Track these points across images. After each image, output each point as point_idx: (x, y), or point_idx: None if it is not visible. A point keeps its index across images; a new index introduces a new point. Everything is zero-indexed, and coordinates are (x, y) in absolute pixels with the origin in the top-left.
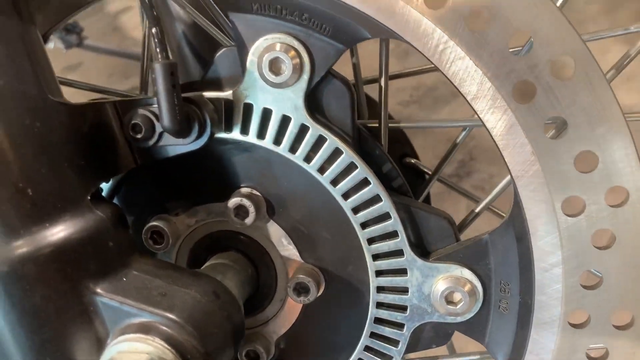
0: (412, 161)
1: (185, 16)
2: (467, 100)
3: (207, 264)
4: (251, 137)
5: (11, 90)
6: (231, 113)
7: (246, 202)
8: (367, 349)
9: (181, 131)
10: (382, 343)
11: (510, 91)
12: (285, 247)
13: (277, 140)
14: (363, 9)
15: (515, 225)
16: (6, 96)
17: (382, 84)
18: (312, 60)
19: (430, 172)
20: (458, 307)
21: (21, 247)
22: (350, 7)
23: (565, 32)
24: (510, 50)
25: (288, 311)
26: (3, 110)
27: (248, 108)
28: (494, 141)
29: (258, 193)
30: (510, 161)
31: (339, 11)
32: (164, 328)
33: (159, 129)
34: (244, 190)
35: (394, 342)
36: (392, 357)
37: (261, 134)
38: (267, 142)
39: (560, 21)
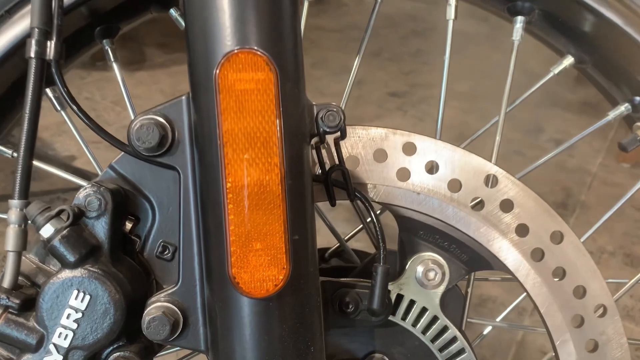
0: None
1: None
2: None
3: None
4: (397, 318)
5: None
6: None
7: None
8: None
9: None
10: None
11: None
12: None
13: (414, 324)
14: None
15: None
16: None
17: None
18: (450, 275)
19: None
20: None
21: None
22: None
23: None
24: None
25: None
26: None
27: (400, 297)
28: None
29: (386, 359)
30: None
31: (479, 250)
32: None
33: (362, 307)
34: (378, 355)
35: None
36: None
37: (404, 317)
38: (407, 324)
39: None
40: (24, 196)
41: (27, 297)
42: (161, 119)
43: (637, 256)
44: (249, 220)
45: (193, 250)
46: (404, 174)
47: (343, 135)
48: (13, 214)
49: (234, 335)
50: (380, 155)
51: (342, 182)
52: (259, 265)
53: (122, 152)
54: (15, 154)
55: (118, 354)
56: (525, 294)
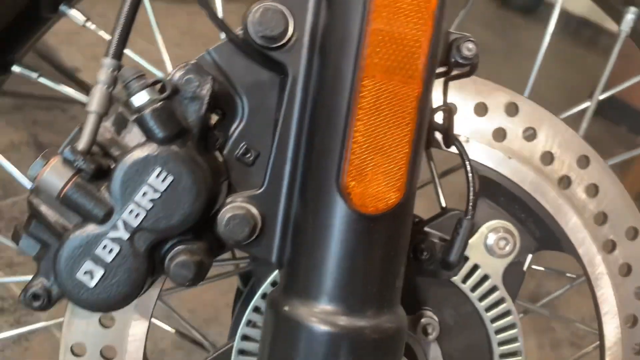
0: None
1: None
2: None
3: None
4: (457, 279)
5: None
6: None
7: (433, 322)
8: None
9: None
10: None
11: None
12: None
13: (473, 289)
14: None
15: None
16: None
17: None
18: (519, 248)
19: None
20: None
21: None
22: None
23: None
24: None
25: None
26: None
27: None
28: None
29: (436, 318)
30: None
31: (554, 229)
32: None
33: (436, 256)
34: (429, 313)
35: None
36: None
37: (464, 280)
38: (466, 288)
39: None
40: (118, 57)
41: (101, 166)
42: (284, 9)
43: None
44: (377, 132)
45: (286, 157)
46: (499, 134)
47: (472, 71)
48: (103, 74)
49: (323, 249)
50: (481, 110)
51: (439, 125)
52: (376, 181)
53: (225, 40)
54: (40, 77)
55: (183, 247)
56: (574, 282)
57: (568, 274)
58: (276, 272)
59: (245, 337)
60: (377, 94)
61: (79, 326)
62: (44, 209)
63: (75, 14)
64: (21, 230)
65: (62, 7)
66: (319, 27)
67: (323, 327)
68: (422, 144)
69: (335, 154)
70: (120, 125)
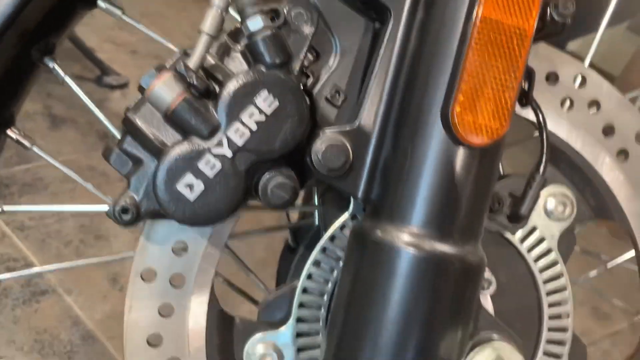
0: None
1: None
2: None
3: None
4: (516, 239)
5: None
6: None
7: (490, 277)
8: None
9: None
10: None
11: None
12: None
13: (530, 249)
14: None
15: None
16: None
17: None
18: (576, 215)
19: None
20: None
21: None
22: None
23: None
24: None
25: None
26: None
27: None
28: None
29: (492, 275)
30: None
31: (609, 200)
32: None
33: (506, 209)
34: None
35: None
36: None
37: (522, 241)
38: (524, 248)
39: None
40: None
41: (209, 85)
42: None
43: None
44: (490, 64)
45: (381, 98)
46: (566, 103)
47: (563, 31)
48: None
49: (421, 178)
50: (552, 78)
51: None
52: (485, 112)
53: None
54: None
55: (278, 171)
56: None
57: (603, 256)
58: (345, 215)
59: (309, 277)
60: (493, 27)
61: (152, 252)
62: (141, 125)
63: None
64: (114, 146)
65: None
66: None
67: (416, 250)
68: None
69: (442, 85)
70: (224, 54)
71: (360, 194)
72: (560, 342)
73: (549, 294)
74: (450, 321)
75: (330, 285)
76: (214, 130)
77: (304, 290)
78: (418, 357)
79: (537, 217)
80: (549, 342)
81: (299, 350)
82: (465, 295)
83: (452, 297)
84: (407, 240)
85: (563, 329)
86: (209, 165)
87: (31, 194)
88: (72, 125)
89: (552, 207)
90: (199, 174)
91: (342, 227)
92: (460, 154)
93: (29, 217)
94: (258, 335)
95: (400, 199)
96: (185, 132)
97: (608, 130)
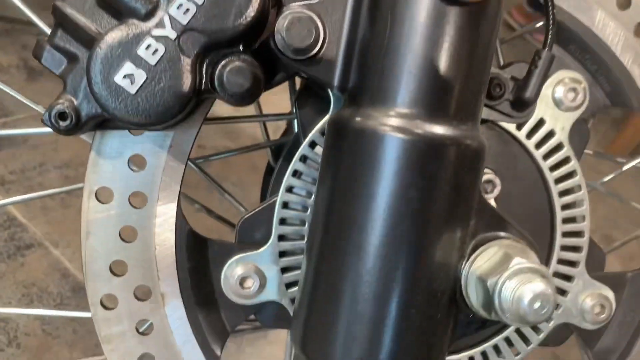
0: None
1: None
2: None
3: None
4: (521, 134)
5: None
6: None
7: (493, 179)
8: None
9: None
10: None
11: None
12: None
13: (537, 145)
14: None
15: None
16: None
17: None
18: (588, 102)
19: None
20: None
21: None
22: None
23: None
24: None
25: None
26: None
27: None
28: None
29: (496, 177)
30: None
31: (626, 85)
32: None
33: (508, 95)
34: (487, 170)
35: None
36: None
37: (529, 136)
38: (531, 144)
39: None
40: None
41: None
42: None
43: None
44: None
45: None
46: None
47: None
48: None
49: (405, 50)
50: None
51: None
52: None
53: None
54: None
55: (237, 56)
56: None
57: (619, 159)
58: (325, 118)
59: (290, 190)
60: None
61: (105, 168)
62: (72, 13)
63: None
64: (44, 43)
65: None
66: None
67: (403, 134)
68: None
69: None
70: None
71: (336, 81)
72: (575, 249)
73: (561, 194)
74: (447, 216)
75: (313, 197)
76: (153, 8)
77: (285, 205)
78: (411, 260)
79: (545, 108)
80: (564, 248)
81: (284, 270)
82: (463, 185)
83: (448, 188)
84: (392, 123)
85: (579, 234)
86: (150, 51)
87: (11, 148)
88: (49, 76)
89: (561, 95)
90: (139, 62)
91: (323, 132)
92: (451, 15)
93: (9, 172)
94: (237, 257)
95: (381, 78)
96: (122, 14)
97: (624, 3)
